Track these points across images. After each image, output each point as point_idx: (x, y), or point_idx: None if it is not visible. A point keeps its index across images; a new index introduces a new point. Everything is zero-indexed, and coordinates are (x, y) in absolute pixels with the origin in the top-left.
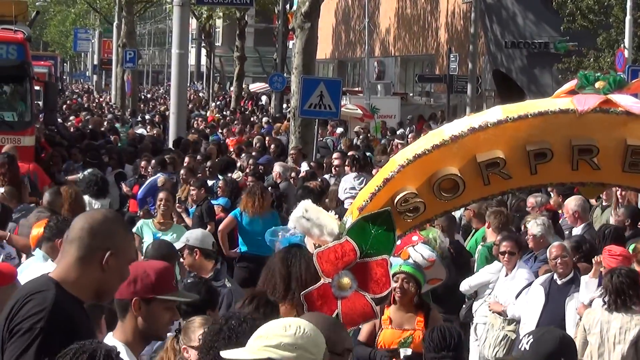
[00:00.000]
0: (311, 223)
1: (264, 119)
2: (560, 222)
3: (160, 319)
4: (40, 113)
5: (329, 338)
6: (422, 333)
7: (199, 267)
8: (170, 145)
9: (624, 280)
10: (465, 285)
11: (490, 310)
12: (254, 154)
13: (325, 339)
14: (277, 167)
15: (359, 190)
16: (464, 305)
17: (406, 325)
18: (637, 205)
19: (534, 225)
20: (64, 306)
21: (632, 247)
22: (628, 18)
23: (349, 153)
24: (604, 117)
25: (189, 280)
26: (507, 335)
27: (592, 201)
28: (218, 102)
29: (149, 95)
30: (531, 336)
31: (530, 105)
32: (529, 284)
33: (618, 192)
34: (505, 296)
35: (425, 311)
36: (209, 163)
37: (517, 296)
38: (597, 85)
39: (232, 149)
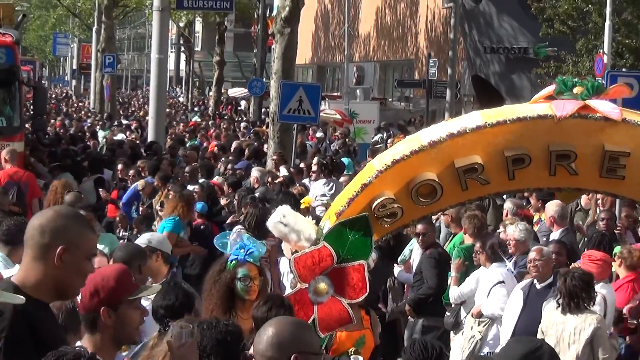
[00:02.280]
0: (289, 228)
1: (242, 124)
2: (538, 227)
3: (131, 320)
4: (30, 118)
5: (302, 339)
6: (370, 332)
7: (157, 270)
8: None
9: (577, 284)
10: (456, 294)
11: (470, 315)
12: (231, 158)
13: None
14: (255, 172)
15: (329, 196)
16: (447, 313)
17: (357, 326)
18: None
19: (516, 230)
20: (25, 311)
21: (616, 249)
22: (607, 24)
23: (315, 159)
24: (582, 123)
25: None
26: (474, 335)
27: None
28: (197, 108)
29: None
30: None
31: (509, 111)
32: (500, 282)
33: (597, 197)
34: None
35: (366, 310)
36: (187, 168)
37: (488, 294)
38: (575, 90)
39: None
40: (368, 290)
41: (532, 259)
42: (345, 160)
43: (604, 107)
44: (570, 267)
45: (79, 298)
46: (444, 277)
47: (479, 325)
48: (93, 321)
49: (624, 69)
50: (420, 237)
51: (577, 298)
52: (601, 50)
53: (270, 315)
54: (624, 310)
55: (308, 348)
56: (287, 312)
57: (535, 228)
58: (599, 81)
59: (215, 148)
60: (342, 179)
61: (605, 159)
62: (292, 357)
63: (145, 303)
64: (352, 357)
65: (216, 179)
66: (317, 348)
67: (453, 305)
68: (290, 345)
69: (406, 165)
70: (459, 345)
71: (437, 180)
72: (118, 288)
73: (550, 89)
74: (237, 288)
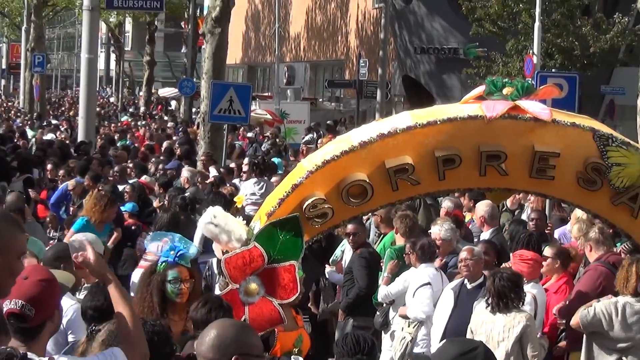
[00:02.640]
0: (219, 229)
1: (169, 124)
2: (470, 227)
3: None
4: None
5: (243, 340)
6: (305, 331)
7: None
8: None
9: (506, 284)
10: (384, 293)
11: (399, 316)
12: (162, 158)
13: (240, 342)
14: (185, 172)
15: (259, 195)
16: (377, 313)
17: (292, 326)
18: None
19: (441, 230)
20: None
21: (545, 248)
22: (537, 24)
23: (246, 160)
24: (512, 124)
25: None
26: (405, 337)
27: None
28: (129, 108)
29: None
30: (443, 342)
31: (439, 111)
32: (426, 284)
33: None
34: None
35: (296, 310)
36: (116, 168)
37: (413, 295)
38: (505, 91)
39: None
40: (299, 291)
41: (463, 259)
42: (275, 160)
43: (533, 107)
44: (501, 267)
45: None
46: (375, 277)
47: (409, 326)
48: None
49: (553, 70)
50: (351, 237)
51: (505, 298)
52: (531, 51)
53: (210, 317)
54: (554, 311)
55: (249, 350)
56: (226, 313)
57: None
58: (529, 82)
59: (144, 148)
60: (273, 179)
61: (535, 160)
62: (233, 358)
63: (72, 302)
64: (293, 357)
65: (144, 179)
66: (259, 350)
67: (384, 305)
68: (232, 347)
69: (337, 166)
70: (389, 346)
71: (367, 180)
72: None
73: (480, 90)
74: (167, 290)
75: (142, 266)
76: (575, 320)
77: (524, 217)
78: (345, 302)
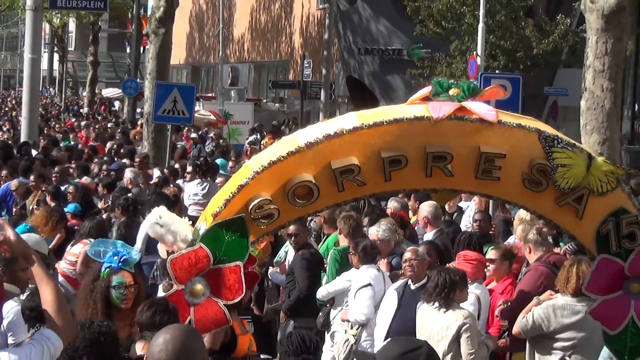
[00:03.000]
0: (165, 229)
1: (110, 124)
2: (416, 228)
3: None
4: None
5: (191, 346)
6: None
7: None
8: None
9: (448, 283)
10: (323, 291)
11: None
12: (105, 159)
13: (189, 348)
14: (128, 173)
15: (202, 196)
16: (320, 313)
17: (241, 328)
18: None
19: (379, 230)
20: None
21: (488, 250)
22: (480, 25)
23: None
24: (458, 125)
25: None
26: (348, 339)
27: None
28: (71, 108)
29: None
30: (387, 341)
31: (385, 112)
32: (367, 285)
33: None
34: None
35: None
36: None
37: (355, 294)
38: (451, 92)
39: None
40: (244, 292)
41: (408, 259)
42: (219, 161)
43: (480, 109)
44: (445, 267)
45: None
46: (317, 278)
47: (351, 328)
48: None
49: (497, 71)
50: (293, 238)
51: (447, 297)
52: (475, 52)
53: (155, 320)
54: (496, 313)
55: (198, 355)
56: (171, 316)
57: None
58: (474, 83)
59: (89, 149)
60: (218, 179)
61: (481, 161)
62: None
63: (13, 304)
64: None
65: (85, 180)
66: (204, 355)
67: (327, 306)
68: (182, 352)
69: (283, 167)
70: (330, 346)
71: (313, 181)
72: None
73: (426, 91)
74: (112, 296)
75: (62, 271)
76: (516, 329)
77: (465, 219)
78: (287, 304)
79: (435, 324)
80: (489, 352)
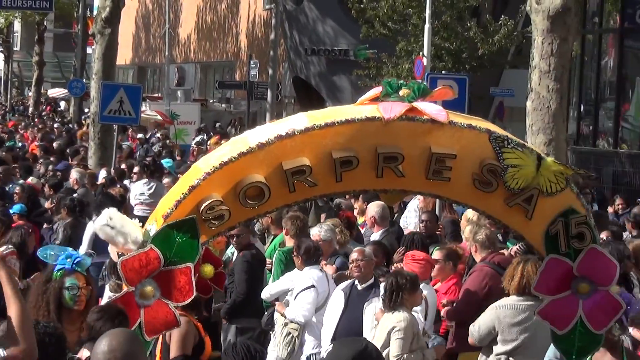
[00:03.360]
0: (115, 231)
1: (56, 125)
2: (364, 230)
3: None
4: None
5: (133, 352)
6: None
7: None
8: None
9: (401, 284)
10: (266, 293)
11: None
12: (52, 159)
13: (129, 353)
14: (74, 174)
15: (148, 196)
16: (265, 313)
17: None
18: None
19: (321, 231)
20: None
21: (434, 251)
22: (427, 26)
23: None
24: (409, 125)
25: None
26: (290, 332)
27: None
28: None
29: None
30: (333, 344)
31: (336, 113)
32: (310, 287)
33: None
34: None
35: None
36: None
37: (295, 296)
38: (401, 93)
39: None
40: (194, 293)
41: (355, 260)
42: (167, 161)
43: (430, 109)
44: (392, 267)
45: None
46: (257, 279)
47: (292, 322)
48: None
49: (443, 71)
50: (235, 239)
51: (392, 300)
52: (421, 53)
53: (101, 323)
54: (442, 313)
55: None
56: (122, 320)
57: (362, 230)
58: (424, 84)
59: (37, 149)
60: (165, 180)
61: (432, 161)
62: None
63: None
64: None
65: (30, 180)
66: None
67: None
68: (118, 355)
69: (234, 167)
70: (274, 345)
71: (265, 182)
72: None
73: (376, 91)
74: (64, 298)
75: None
76: (470, 340)
77: (405, 220)
78: (224, 308)
79: (381, 324)
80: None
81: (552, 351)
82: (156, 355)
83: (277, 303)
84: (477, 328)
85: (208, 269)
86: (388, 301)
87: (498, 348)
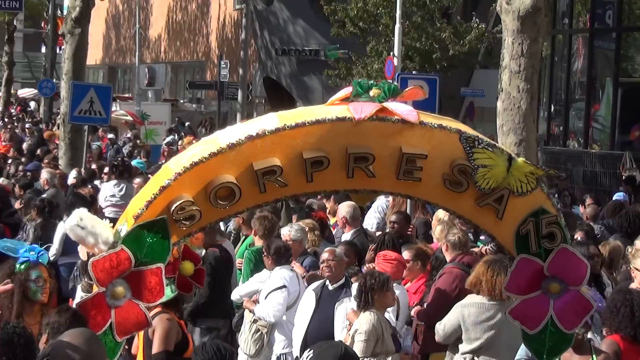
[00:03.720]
0: (86, 231)
1: (27, 125)
2: (335, 231)
3: None
4: None
5: (91, 352)
6: None
7: None
8: None
9: (375, 284)
10: (236, 294)
11: (244, 307)
12: (23, 159)
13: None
14: (45, 174)
15: (119, 197)
16: (236, 314)
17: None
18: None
19: (291, 231)
20: None
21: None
22: (397, 26)
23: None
24: (380, 126)
25: None
26: (259, 330)
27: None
28: None
29: None
30: (312, 351)
31: (307, 113)
32: (281, 287)
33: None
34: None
35: None
36: None
37: (266, 296)
38: (371, 93)
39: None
40: (165, 294)
41: (325, 260)
42: (138, 162)
43: (401, 109)
44: (365, 267)
45: None
46: (221, 280)
47: (260, 320)
48: None
49: (413, 72)
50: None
51: (371, 298)
52: (391, 53)
53: (57, 321)
54: (412, 313)
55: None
56: (77, 317)
57: (334, 231)
58: (394, 84)
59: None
60: (136, 180)
61: (403, 162)
62: None
63: None
64: None
65: (2, 181)
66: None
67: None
68: (79, 356)
69: (205, 168)
70: (242, 340)
71: (235, 182)
72: None
73: (346, 91)
74: (30, 290)
75: None
76: (437, 338)
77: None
78: (188, 310)
79: (352, 324)
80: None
81: (523, 350)
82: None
83: (245, 299)
84: (442, 326)
85: (188, 266)
86: (358, 302)
87: (463, 347)
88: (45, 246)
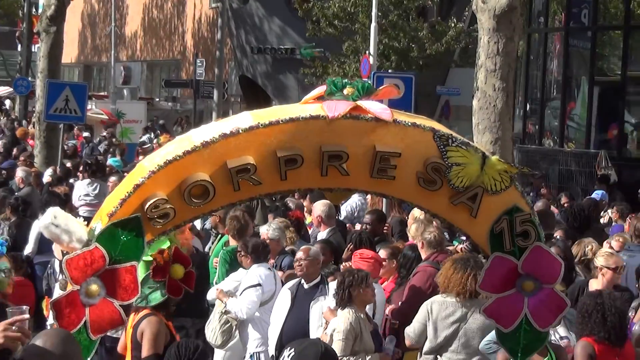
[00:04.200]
0: (60, 230)
1: (2, 122)
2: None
3: None
4: None
5: (67, 352)
6: None
7: None
8: None
9: (348, 282)
10: (212, 294)
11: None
12: None
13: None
14: (20, 172)
15: (93, 196)
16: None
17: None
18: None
19: (269, 229)
20: None
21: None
22: (373, 25)
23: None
24: (353, 124)
25: None
26: (229, 321)
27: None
28: None
29: None
30: (293, 349)
31: (281, 111)
32: (255, 285)
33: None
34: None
35: None
36: None
37: (242, 292)
38: (345, 91)
39: None
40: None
41: (298, 259)
42: (114, 160)
43: (375, 108)
44: (342, 266)
45: None
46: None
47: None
48: None
49: (389, 70)
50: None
51: (349, 295)
52: (367, 52)
53: None
54: (387, 312)
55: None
56: None
57: (310, 230)
58: (369, 82)
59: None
60: (112, 178)
61: (377, 160)
62: None
63: None
64: None
65: None
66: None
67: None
68: (55, 357)
69: (179, 166)
70: (210, 329)
71: (209, 180)
72: None
73: (320, 90)
74: None
75: None
76: (408, 342)
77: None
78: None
79: (331, 323)
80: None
81: (492, 335)
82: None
83: (217, 290)
84: (412, 329)
85: (178, 269)
86: (337, 299)
87: (426, 346)
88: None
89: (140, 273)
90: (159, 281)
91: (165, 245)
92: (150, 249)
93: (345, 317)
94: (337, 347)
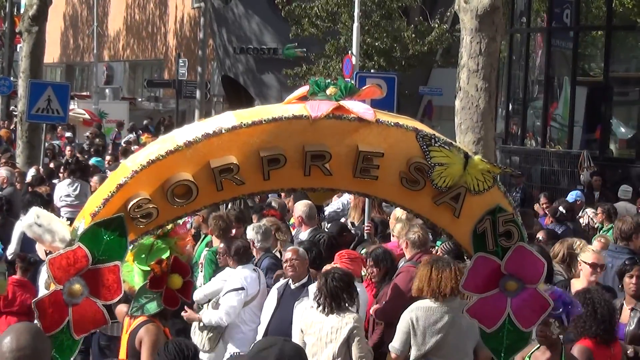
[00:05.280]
0: (43, 229)
1: None
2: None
3: None
4: None
5: (37, 348)
6: None
7: None
8: None
9: (338, 284)
10: (200, 294)
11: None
12: None
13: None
14: (3, 172)
15: (74, 197)
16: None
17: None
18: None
19: (250, 232)
20: None
21: (363, 250)
22: (355, 25)
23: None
24: (336, 124)
25: None
26: (216, 328)
27: None
28: None
29: None
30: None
31: (264, 111)
32: (238, 289)
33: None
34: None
35: None
36: None
37: (224, 294)
38: (328, 91)
39: None
40: (123, 291)
41: (288, 259)
42: (95, 160)
43: (357, 108)
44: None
45: None
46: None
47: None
48: None
49: (372, 70)
50: None
51: (338, 298)
52: (350, 52)
53: None
54: (371, 312)
55: (42, 356)
56: None
57: (293, 231)
58: (351, 82)
59: None
60: (95, 178)
61: (359, 160)
62: None
63: None
64: None
65: None
66: (49, 356)
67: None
68: (26, 351)
69: (162, 166)
70: (197, 335)
71: (192, 180)
72: None
73: (304, 90)
74: None
75: None
76: (394, 356)
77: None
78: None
79: (323, 325)
80: (372, 354)
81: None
82: None
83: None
84: (398, 342)
85: (176, 280)
86: (331, 302)
87: (413, 354)
88: None
89: (139, 282)
90: (155, 292)
91: (165, 255)
92: (150, 258)
93: (356, 318)
94: (360, 347)
